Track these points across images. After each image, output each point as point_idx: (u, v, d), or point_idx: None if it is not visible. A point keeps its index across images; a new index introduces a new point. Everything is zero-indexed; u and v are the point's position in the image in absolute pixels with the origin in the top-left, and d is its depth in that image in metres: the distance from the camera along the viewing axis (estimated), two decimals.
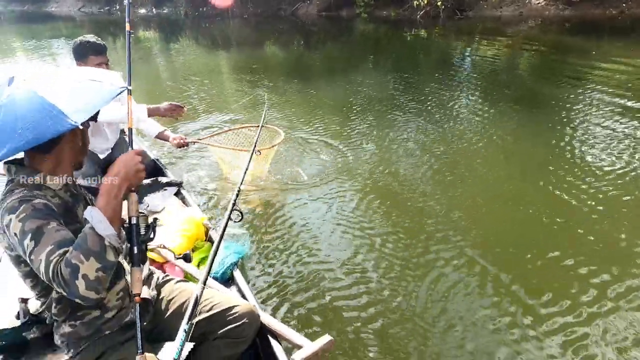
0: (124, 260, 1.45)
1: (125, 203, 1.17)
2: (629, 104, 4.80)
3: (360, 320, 2.18)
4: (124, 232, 1.17)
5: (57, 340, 1.34)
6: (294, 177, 3.66)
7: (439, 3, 11.59)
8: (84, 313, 1.29)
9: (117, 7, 22.88)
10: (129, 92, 1.32)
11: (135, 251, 1.17)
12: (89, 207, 1.10)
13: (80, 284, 1.02)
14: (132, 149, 1.24)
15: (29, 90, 1.12)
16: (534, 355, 1.93)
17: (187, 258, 1.91)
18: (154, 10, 21.23)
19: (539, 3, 10.93)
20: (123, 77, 1.36)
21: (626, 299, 2.19)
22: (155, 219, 1.26)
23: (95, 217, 1.06)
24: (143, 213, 1.22)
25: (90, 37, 2.54)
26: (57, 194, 1.22)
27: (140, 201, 2.66)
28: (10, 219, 1.10)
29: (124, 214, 1.19)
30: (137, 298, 1.16)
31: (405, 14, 12.72)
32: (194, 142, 3.33)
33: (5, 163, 1.22)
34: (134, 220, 1.17)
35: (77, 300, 1.04)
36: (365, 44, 10.93)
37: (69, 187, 1.28)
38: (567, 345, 1.97)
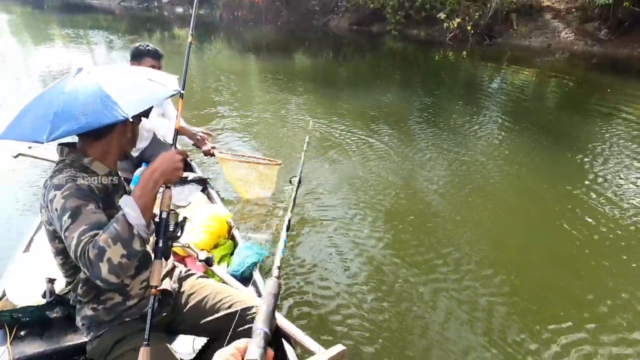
0: (152, 252, 1.49)
1: (159, 197, 1.21)
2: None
3: (375, 334, 2.18)
4: (153, 225, 1.21)
5: (79, 322, 1.38)
6: (319, 188, 3.68)
7: (468, 27, 11.55)
8: (106, 298, 1.32)
9: (155, 3, 23.41)
10: (181, 95, 1.40)
11: (160, 244, 1.20)
12: (124, 196, 1.15)
13: (104, 266, 1.05)
14: (176, 148, 1.29)
15: (91, 82, 1.20)
16: None
17: (209, 262, 1.93)
18: (190, 10, 21.63)
19: (567, 37, 10.81)
20: (178, 81, 1.42)
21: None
22: (185, 218, 1.29)
23: (128, 205, 1.11)
24: (174, 210, 1.26)
25: (149, 43, 2.72)
26: (100, 179, 1.27)
27: None
28: (55, 195, 1.16)
29: (157, 208, 1.23)
30: (153, 290, 1.19)
31: (435, 35, 12.71)
32: (217, 155, 3.02)
33: (59, 144, 1.30)
34: (164, 215, 1.21)
35: (98, 282, 1.08)
36: (393, 60, 10.95)
37: (112, 174, 1.33)
38: None
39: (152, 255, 1.46)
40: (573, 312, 2.36)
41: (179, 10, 22.04)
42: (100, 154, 1.29)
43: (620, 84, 7.71)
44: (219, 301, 1.51)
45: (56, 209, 1.14)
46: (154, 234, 1.22)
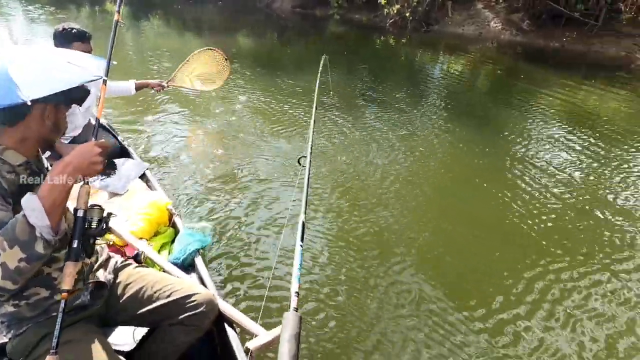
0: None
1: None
2: (558, 127, 5.18)
3: (316, 313, 2.23)
4: (66, 225, 1.11)
5: None
6: (250, 173, 3.64)
7: (407, 14, 11.81)
8: (30, 293, 1.21)
9: None
10: (104, 82, 1.27)
11: (75, 245, 1.10)
12: (27, 194, 1.02)
13: None
14: (96, 139, 1.18)
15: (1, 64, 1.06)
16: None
17: (137, 259, 1.86)
18: None
19: (496, 27, 11.43)
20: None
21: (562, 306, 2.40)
22: (109, 214, 1.21)
23: (30, 205, 0.99)
24: (98, 206, 1.17)
25: (74, 24, 2.45)
26: (15, 170, 1.14)
27: (102, 183, 2.58)
28: None
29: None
30: (63, 294, 1.09)
31: (376, 20, 12.86)
32: (168, 84, 3.55)
33: None
34: (80, 213, 1.12)
35: None
36: (336, 44, 10.97)
37: (30, 165, 1.20)
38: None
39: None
40: (505, 281, 2.57)
41: None
42: (16, 142, 1.15)
43: (536, 72, 8.36)
44: (158, 290, 1.47)
45: None
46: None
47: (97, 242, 1.50)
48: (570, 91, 6.84)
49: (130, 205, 2.33)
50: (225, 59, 3.73)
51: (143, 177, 2.77)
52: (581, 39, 10.10)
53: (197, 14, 14.65)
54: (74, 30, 2.43)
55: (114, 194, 2.56)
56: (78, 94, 1.24)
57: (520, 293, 2.47)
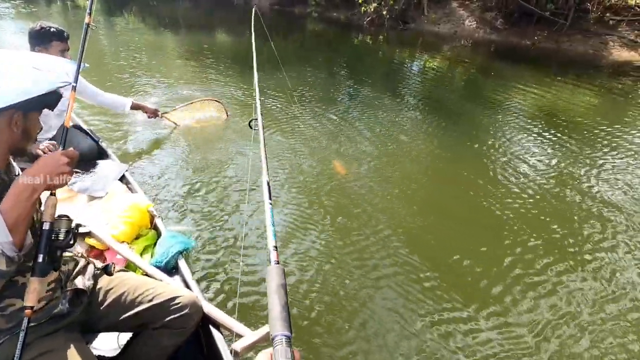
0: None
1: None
2: (531, 122, 5.35)
3: (301, 312, 2.24)
4: (32, 239, 1.07)
5: None
6: (234, 175, 3.62)
7: (384, 12, 11.90)
8: (6, 305, 1.16)
9: None
10: (74, 88, 1.23)
11: (40, 260, 1.05)
12: None
13: None
14: (63, 149, 1.14)
15: None
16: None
17: (107, 271, 1.81)
18: None
19: (471, 25, 11.65)
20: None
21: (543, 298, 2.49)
22: (77, 225, 1.17)
23: None
24: (66, 216, 1.13)
25: (51, 23, 2.39)
26: None
27: (81, 186, 2.52)
28: None
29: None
30: (27, 311, 1.05)
31: (354, 18, 12.90)
32: (163, 116, 3.70)
33: None
34: (46, 226, 1.07)
35: None
36: (315, 42, 10.97)
37: None
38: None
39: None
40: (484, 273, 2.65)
41: None
42: None
43: (509, 69, 8.59)
44: (140, 294, 1.45)
45: None
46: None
47: (70, 252, 1.46)
48: (542, 87, 7.05)
49: (110, 208, 2.28)
50: (228, 114, 4.09)
51: (123, 179, 2.71)
52: (552, 37, 10.42)
53: (173, 10, 14.35)
54: (52, 29, 2.36)
55: (93, 197, 2.51)
56: (50, 99, 1.18)
57: (494, 278, 2.55)
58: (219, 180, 3.43)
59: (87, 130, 3.21)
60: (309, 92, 6.15)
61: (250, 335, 1.54)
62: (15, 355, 1.02)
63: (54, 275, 1.27)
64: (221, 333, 1.59)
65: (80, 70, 1.28)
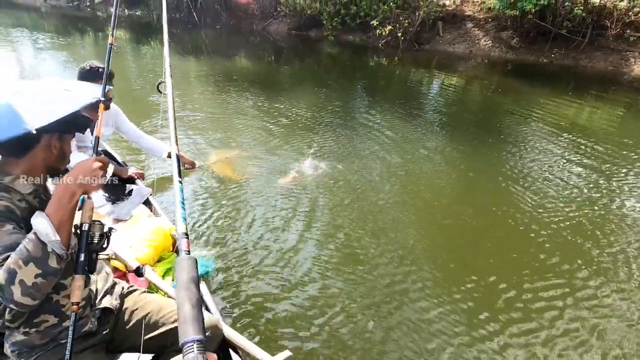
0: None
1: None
2: (552, 138, 5.25)
3: (321, 337, 2.21)
4: (75, 239, 1.15)
5: (7, 349, 1.27)
6: (258, 195, 3.64)
7: (399, 34, 12.02)
8: (40, 320, 1.23)
9: (87, 2, 21.78)
10: (103, 102, 1.35)
11: (82, 258, 1.14)
12: (36, 212, 1.07)
13: (17, 289, 0.99)
14: (97, 155, 1.25)
15: (2, 99, 1.12)
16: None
17: (138, 272, 1.86)
18: (126, 11, 20.42)
19: (486, 44, 11.63)
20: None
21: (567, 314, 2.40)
22: (110, 229, 1.24)
23: (39, 223, 1.04)
24: (99, 221, 1.21)
25: (99, 64, 2.58)
26: (25, 198, 1.19)
27: (108, 209, 2.60)
28: None
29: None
30: (74, 307, 1.13)
31: (369, 40, 13.06)
32: (200, 167, 3.60)
33: None
34: (85, 227, 1.16)
35: (12, 306, 1.02)
36: (333, 65, 11.15)
37: (38, 192, 1.24)
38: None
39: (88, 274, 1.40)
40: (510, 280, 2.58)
41: (113, 10, 20.67)
42: (25, 172, 1.20)
43: (526, 88, 8.49)
44: (163, 316, 1.47)
45: None
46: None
47: (103, 270, 1.51)
48: (561, 105, 6.94)
49: (134, 231, 2.34)
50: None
51: (146, 203, 2.78)
52: (569, 54, 10.30)
53: (195, 38, 14.86)
54: (100, 69, 2.54)
55: (118, 220, 2.57)
56: (80, 122, 1.29)
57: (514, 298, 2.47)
58: (246, 207, 3.45)
59: (114, 156, 3.32)
60: (324, 114, 6.22)
61: None
62: (67, 351, 1.10)
63: (85, 292, 1.33)
64: (240, 357, 1.59)
65: (106, 91, 1.34)
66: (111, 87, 2.52)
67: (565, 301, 2.53)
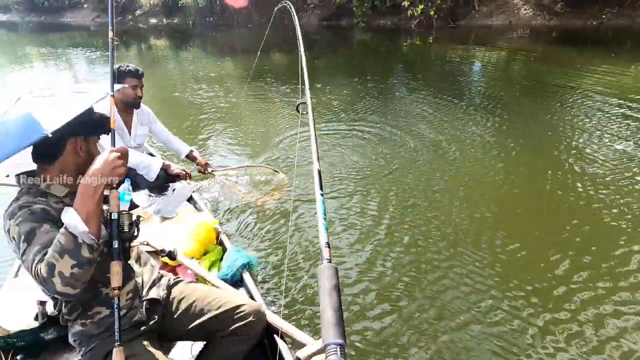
0: (134, 263, 1.49)
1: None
2: (609, 107, 4.83)
3: (367, 323, 2.19)
4: (105, 229, 1.20)
5: (70, 339, 1.37)
6: (302, 188, 3.65)
7: (432, 12, 11.58)
8: (94, 312, 1.32)
9: (129, 16, 22.92)
10: (112, 96, 1.33)
11: (115, 245, 1.19)
12: (65, 208, 1.12)
13: (57, 280, 1.05)
14: (113, 147, 1.25)
15: (21, 108, 1.20)
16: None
17: (171, 256, 1.93)
18: (164, 20, 21.27)
19: (527, 13, 10.92)
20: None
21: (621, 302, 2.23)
22: (138, 217, 1.29)
23: (68, 217, 1.08)
24: (127, 211, 1.24)
25: (129, 64, 2.77)
26: (61, 200, 1.26)
27: (155, 208, 2.72)
28: (10, 224, 1.16)
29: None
30: (115, 292, 1.18)
31: (401, 23, 12.71)
32: (214, 172, 3.44)
33: (16, 174, 1.30)
34: (114, 216, 1.20)
35: (57, 296, 1.09)
36: (365, 52, 10.95)
37: (73, 194, 1.25)
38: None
39: (135, 266, 1.47)
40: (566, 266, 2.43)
41: (153, 21, 21.60)
42: (58, 176, 1.28)
43: (575, 54, 7.86)
44: (208, 303, 1.51)
45: (13, 238, 1.15)
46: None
47: (149, 263, 1.58)
48: (616, 71, 6.36)
49: (180, 227, 2.43)
50: (275, 171, 3.70)
51: (190, 199, 2.88)
52: (623, 12, 9.42)
53: (230, 38, 15.18)
54: (127, 68, 2.71)
55: (165, 218, 2.69)
56: (100, 123, 1.33)
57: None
58: (277, 200, 3.50)
59: (159, 157, 3.46)
60: (360, 103, 6.13)
61: (314, 344, 1.54)
62: (115, 332, 1.18)
63: (131, 284, 1.40)
64: (285, 342, 1.60)
65: (115, 90, 1.36)
66: (126, 86, 2.65)
67: None
